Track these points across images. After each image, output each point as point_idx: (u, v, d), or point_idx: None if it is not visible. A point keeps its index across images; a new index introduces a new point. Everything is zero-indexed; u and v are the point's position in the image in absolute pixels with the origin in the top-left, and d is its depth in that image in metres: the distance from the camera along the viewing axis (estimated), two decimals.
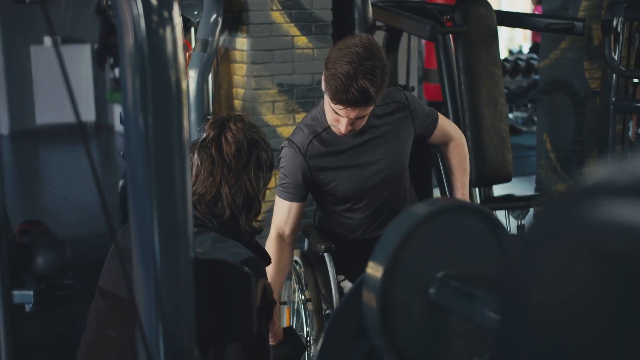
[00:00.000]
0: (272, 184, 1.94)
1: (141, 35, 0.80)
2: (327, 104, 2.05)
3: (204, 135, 1.65)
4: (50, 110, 8.14)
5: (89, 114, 8.49)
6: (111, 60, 7.64)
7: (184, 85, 0.83)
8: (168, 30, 0.81)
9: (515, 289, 0.38)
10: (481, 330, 0.96)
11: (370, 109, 2.06)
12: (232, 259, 1.45)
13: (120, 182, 4.57)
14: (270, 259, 1.71)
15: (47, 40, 8.28)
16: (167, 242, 0.84)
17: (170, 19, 0.81)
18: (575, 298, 0.33)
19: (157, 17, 0.80)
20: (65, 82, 0.70)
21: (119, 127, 8.49)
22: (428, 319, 0.92)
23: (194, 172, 1.61)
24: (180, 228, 0.85)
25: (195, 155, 1.61)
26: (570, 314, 0.33)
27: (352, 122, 2.05)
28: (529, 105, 8.14)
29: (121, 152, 4.80)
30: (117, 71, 8.25)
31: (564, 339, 0.33)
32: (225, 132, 1.63)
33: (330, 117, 2.08)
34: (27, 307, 3.29)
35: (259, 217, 1.73)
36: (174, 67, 0.82)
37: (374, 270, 0.90)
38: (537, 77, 7.93)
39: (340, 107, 2.01)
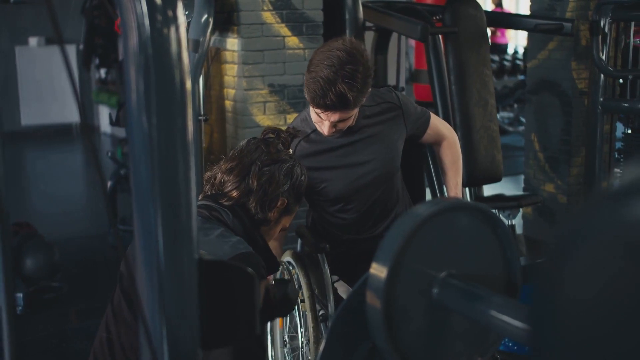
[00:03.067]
0: None
1: (145, 34, 0.79)
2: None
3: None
4: (35, 111, 8.08)
5: (74, 114, 8.43)
6: (97, 61, 7.58)
7: (188, 85, 0.82)
8: (172, 29, 0.80)
9: (554, 289, 0.38)
10: (483, 329, 0.96)
11: (353, 112, 2.06)
12: (230, 252, 1.48)
13: (108, 184, 4.54)
14: (278, 268, 1.74)
15: (32, 41, 8.22)
16: (170, 243, 0.83)
17: (175, 18, 0.80)
18: (616, 296, 0.33)
19: (162, 16, 0.79)
20: (71, 82, 0.70)
21: (105, 128, 8.43)
22: (431, 319, 0.92)
23: (227, 156, 1.77)
24: (184, 228, 0.84)
25: (242, 142, 1.80)
26: (610, 312, 0.33)
27: (334, 125, 2.05)
28: (515, 106, 8.20)
29: (109, 153, 4.76)
30: (102, 72, 8.19)
31: (602, 335, 0.33)
32: (279, 134, 1.84)
33: (313, 118, 2.09)
34: (17, 310, 3.26)
35: None
36: (179, 66, 0.81)
37: (378, 271, 0.89)
38: (522, 77, 8.02)
39: (319, 110, 2.01)
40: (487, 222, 0.95)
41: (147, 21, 0.79)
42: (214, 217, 1.63)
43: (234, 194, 1.67)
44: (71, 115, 8.39)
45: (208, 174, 1.77)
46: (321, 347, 1.01)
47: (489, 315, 0.86)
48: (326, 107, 2.00)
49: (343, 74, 1.94)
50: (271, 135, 1.84)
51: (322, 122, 2.06)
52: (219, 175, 1.72)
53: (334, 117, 2.03)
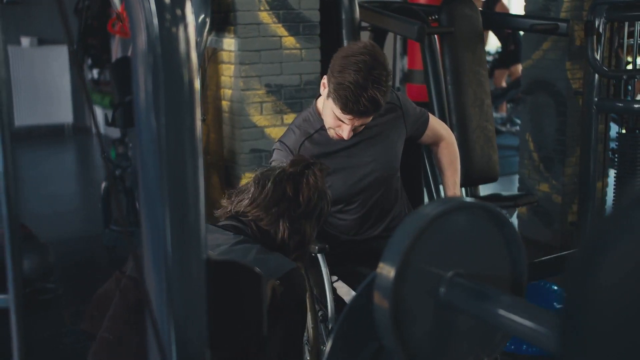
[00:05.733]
0: None
1: (154, 33, 0.79)
2: (330, 110, 2.02)
3: (279, 169, 1.69)
4: (29, 111, 8.04)
5: (67, 115, 8.39)
6: (89, 62, 7.55)
7: (196, 85, 0.82)
8: (181, 28, 0.80)
9: (587, 291, 0.38)
10: (490, 329, 0.96)
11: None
12: (277, 270, 1.48)
13: (103, 185, 4.52)
14: None
15: (25, 41, 8.18)
16: (179, 243, 0.83)
17: (183, 17, 0.80)
18: None
19: (170, 15, 0.79)
20: (82, 83, 0.69)
21: (99, 128, 8.40)
22: (438, 318, 0.92)
23: (250, 194, 1.64)
24: (192, 229, 0.84)
25: (269, 183, 1.64)
26: None
27: (354, 128, 2.04)
28: (508, 106, 8.22)
29: (104, 154, 4.74)
30: (95, 72, 8.16)
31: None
32: (307, 176, 1.67)
33: (331, 122, 2.05)
34: None
35: None
36: (187, 66, 0.81)
37: (385, 271, 0.89)
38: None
39: (350, 116, 1.98)
40: (494, 221, 0.95)
41: (155, 20, 0.78)
42: (243, 233, 1.61)
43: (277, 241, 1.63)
44: (65, 115, 8.35)
45: (226, 203, 1.69)
46: (327, 348, 1.01)
47: (498, 315, 0.86)
48: (359, 113, 1.97)
49: (372, 79, 1.92)
50: (296, 170, 1.68)
51: (342, 126, 2.03)
52: (242, 209, 1.65)
53: (359, 121, 2.01)
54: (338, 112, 1.99)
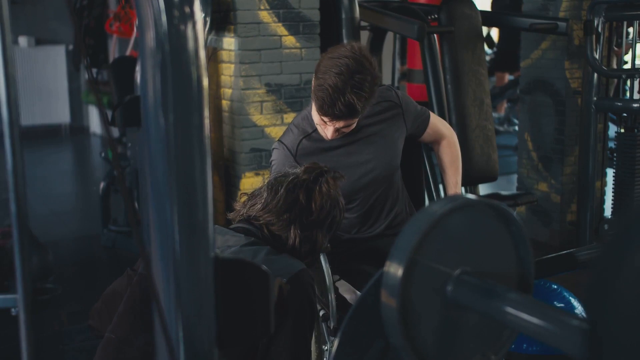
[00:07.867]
0: None
1: (162, 31, 0.78)
2: (314, 109, 2.05)
3: (293, 175, 1.68)
4: (26, 111, 8.03)
5: (64, 115, 8.38)
6: (87, 61, 7.53)
7: (205, 82, 0.82)
8: (189, 26, 0.80)
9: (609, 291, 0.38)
10: (497, 327, 0.96)
11: (357, 118, 2.06)
12: (286, 270, 1.49)
13: (102, 184, 4.52)
14: None
15: (23, 41, 8.17)
16: (187, 241, 0.83)
17: (192, 14, 0.80)
18: None
19: (179, 13, 0.79)
20: (93, 84, 0.69)
21: (95, 128, 8.39)
22: (446, 316, 0.92)
23: (263, 199, 1.64)
24: (200, 227, 0.84)
25: (281, 189, 1.63)
26: None
27: (337, 129, 2.05)
28: (506, 105, 8.23)
29: (102, 154, 4.74)
30: (93, 72, 8.14)
31: None
32: (321, 184, 1.65)
33: (317, 120, 2.08)
34: (13, 312, 3.23)
35: None
36: (195, 63, 0.81)
37: (393, 269, 0.89)
38: (511, 77, 8.05)
39: (326, 118, 2.00)
40: (500, 219, 0.95)
41: (164, 17, 0.78)
42: (254, 236, 1.62)
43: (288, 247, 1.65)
44: (61, 116, 8.34)
45: (239, 207, 1.71)
46: (334, 347, 1.01)
47: (506, 312, 0.86)
48: (334, 117, 1.98)
49: (352, 84, 1.92)
50: (309, 178, 1.68)
51: (326, 126, 2.05)
52: (254, 213, 1.67)
53: (339, 123, 2.02)
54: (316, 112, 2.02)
